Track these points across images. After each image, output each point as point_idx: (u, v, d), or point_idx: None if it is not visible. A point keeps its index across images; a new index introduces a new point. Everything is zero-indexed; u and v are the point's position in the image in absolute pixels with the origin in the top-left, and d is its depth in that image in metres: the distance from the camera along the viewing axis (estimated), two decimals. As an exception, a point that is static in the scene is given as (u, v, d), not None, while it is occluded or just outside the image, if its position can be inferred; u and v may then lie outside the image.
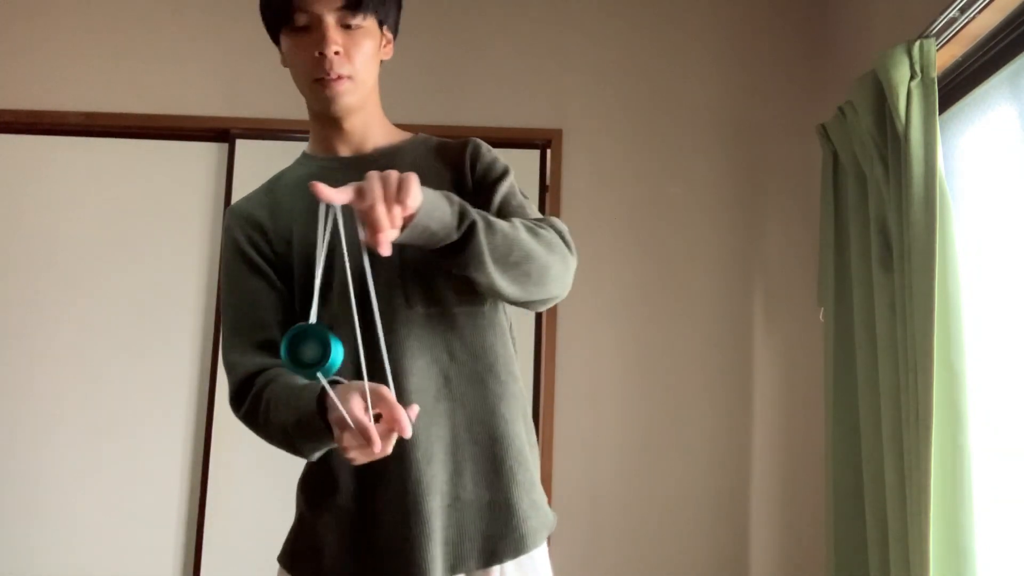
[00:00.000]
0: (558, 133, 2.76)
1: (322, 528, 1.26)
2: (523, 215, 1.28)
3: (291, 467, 2.69)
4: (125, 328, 2.71)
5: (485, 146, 1.36)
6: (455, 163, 1.34)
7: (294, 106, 2.77)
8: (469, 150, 1.34)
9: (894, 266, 1.97)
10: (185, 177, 2.79)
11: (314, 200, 1.04)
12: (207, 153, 2.81)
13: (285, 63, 1.35)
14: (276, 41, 1.35)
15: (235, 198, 2.72)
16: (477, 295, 1.26)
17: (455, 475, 1.23)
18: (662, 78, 2.82)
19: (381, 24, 1.32)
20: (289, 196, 1.33)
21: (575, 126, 2.78)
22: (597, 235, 2.71)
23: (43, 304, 2.73)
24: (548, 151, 2.77)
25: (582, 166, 2.75)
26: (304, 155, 1.40)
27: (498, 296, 1.22)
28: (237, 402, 1.26)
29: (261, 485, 2.60)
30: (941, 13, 1.87)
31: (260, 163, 2.74)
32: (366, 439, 1.01)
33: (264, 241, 1.31)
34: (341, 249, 1.05)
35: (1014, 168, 1.82)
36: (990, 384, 1.84)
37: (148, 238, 2.76)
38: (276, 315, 1.28)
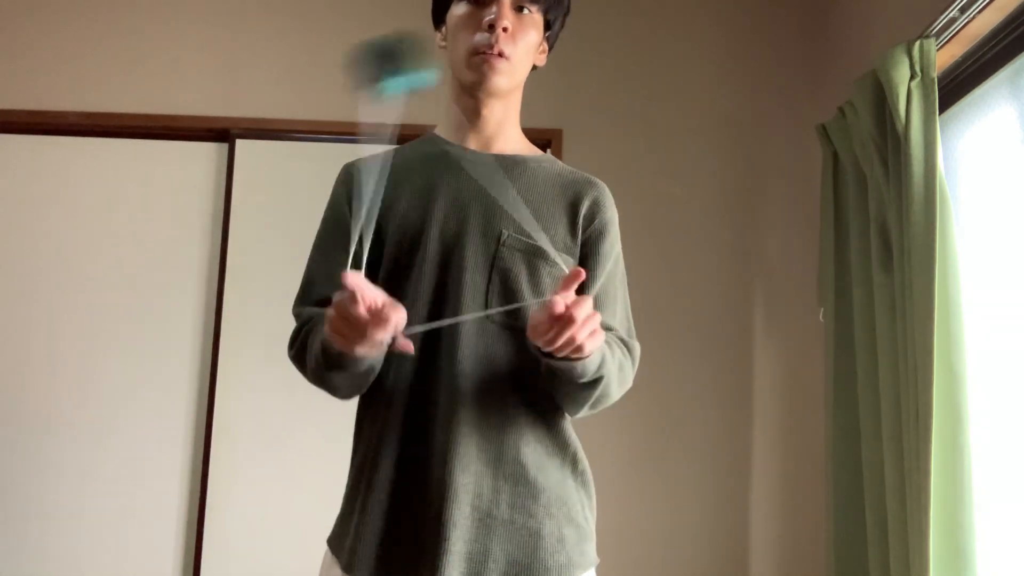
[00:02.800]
0: (558, 133, 2.76)
1: (359, 514, 1.25)
2: (617, 312, 1.36)
3: (291, 466, 2.68)
4: (125, 328, 2.71)
5: (609, 199, 1.37)
6: (574, 202, 1.34)
7: (294, 106, 2.81)
8: (591, 198, 1.35)
9: (894, 266, 1.97)
10: (185, 177, 2.79)
11: (425, 181, 1.28)
12: (207, 153, 2.81)
13: (443, 40, 1.36)
14: (439, 16, 1.36)
15: (235, 198, 2.74)
16: None
17: (493, 492, 1.21)
18: (662, 78, 2.82)
19: (547, 25, 1.35)
20: (405, 169, 1.34)
21: (575, 126, 2.78)
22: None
23: (43, 304, 2.73)
24: (548, 151, 2.77)
25: (582, 166, 2.74)
26: (432, 135, 1.40)
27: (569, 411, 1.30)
28: (291, 346, 1.30)
29: (261, 485, 2.60)
30: (941, 13, 1.87)
31: (260, 163, 2.76)
32: (351, 311, 1.03)
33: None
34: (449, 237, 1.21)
35: (1014, 168, 1.82)
36: (990, 384, 1.84)
37: (148, 238, 2.76)
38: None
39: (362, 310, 1.02)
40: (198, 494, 2.62)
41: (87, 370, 2.69)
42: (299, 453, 2.61)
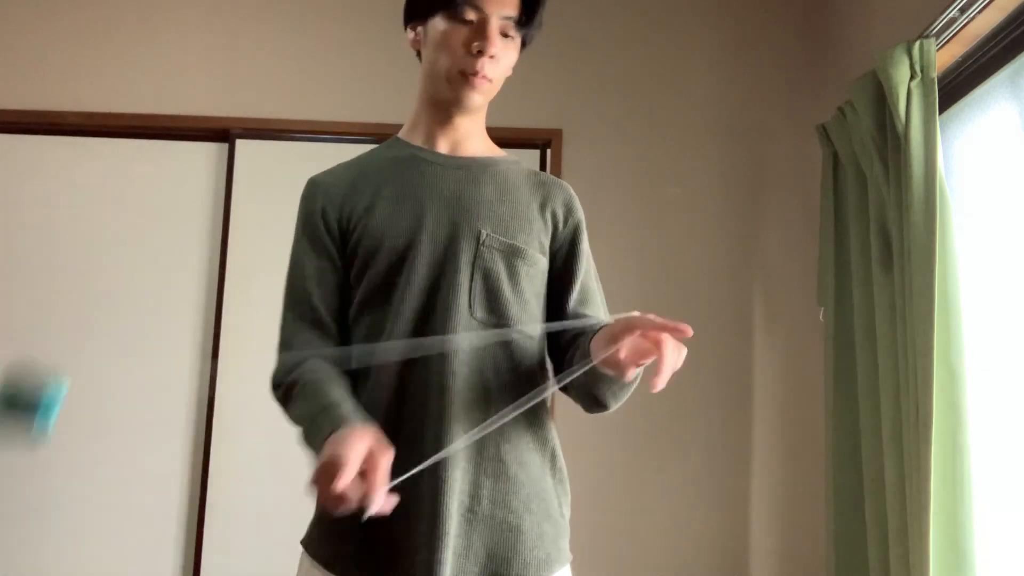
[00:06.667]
0: (558, 133, 2.76)
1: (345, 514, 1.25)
2: (599, 305, 1.40)
3: (291, 466, 2.68)
4: (125, 328, 2.71)
5: (577, 201, 1.43)
6: (543, 203, 1.38)
7: (294, 106, 2.81)
8: (565, 199, 1.40)
9: (894, 266, 1.97)
10: (185, 177, 2.79)
11: (402, 185, 1.30)
12: (207, 153, 2.81)
13: (417, 45, 1.36)
14: (414, 15, 1.35)
15: (235, 198, 2.74)
16: (534, 320, 1.31)
17: (474, 487, 1.23)
18: (662, 78, 2.82)
19: (523, 45, 1.36)
20: (376, 176, 1.35)
21: (575, 126, 2.78)
22: (597, 235, 2.70)
23: (43, 303, 2.73)
24: (548, 151, 2.77)
25: (582, 166, 2.75)
26: (397, 139, 1.41)
27: (600, 408, 1.33)
28: (275, 383, 1.33)
29: (261, 484, 2.60)
30: (941, 13, 1.87)
31: (260, 163, 2.76)
32: (331, 485, 1.03)
33: (336, 218, 1.33)
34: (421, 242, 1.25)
35: (1014, 168, 1.82)
36: (990, 384, 1.84)
37: (148, 238, 2.76)
38: (330, 296, 1.32)
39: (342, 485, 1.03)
40: (198, 494, 2.62)
41: (87, 370, 2.69)
42: (299, 453, 2.60)
